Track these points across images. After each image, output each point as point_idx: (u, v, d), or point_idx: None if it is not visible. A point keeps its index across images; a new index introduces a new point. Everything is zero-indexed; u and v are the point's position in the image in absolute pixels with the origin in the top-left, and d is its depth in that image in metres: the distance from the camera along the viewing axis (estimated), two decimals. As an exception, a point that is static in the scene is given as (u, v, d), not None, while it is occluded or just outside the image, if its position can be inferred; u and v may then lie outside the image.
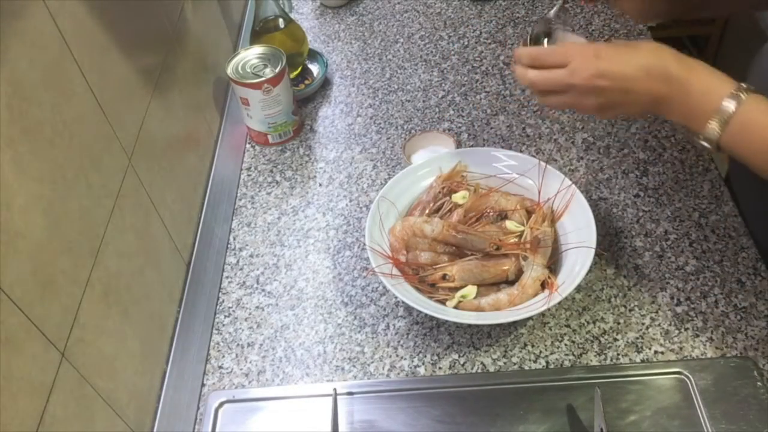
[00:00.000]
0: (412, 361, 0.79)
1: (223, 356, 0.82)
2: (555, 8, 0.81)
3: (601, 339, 0.78)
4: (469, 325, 0.81)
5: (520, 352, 0.78)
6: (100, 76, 0.67)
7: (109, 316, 0.64)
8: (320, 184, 1.02)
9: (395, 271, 0.81)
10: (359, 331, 0.83)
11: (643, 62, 0.64)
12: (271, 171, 1.05)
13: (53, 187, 0.56)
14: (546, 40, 0.80)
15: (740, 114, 0.60)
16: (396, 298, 0.84)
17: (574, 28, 1.18)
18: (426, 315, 0.80)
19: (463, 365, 0.78)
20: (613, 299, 0.82)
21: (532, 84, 0.70)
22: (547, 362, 0.77)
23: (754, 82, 0.61)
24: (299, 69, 1.17)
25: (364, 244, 0.83)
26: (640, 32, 1.19)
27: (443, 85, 1.15)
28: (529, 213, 0.86)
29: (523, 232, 0.83)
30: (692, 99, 0.63)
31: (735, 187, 0.93)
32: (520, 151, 0.97)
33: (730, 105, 0.60)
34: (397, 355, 0.80)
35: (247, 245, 0.95)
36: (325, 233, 0.95)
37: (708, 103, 0.62)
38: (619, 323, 0.79)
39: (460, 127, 1.07)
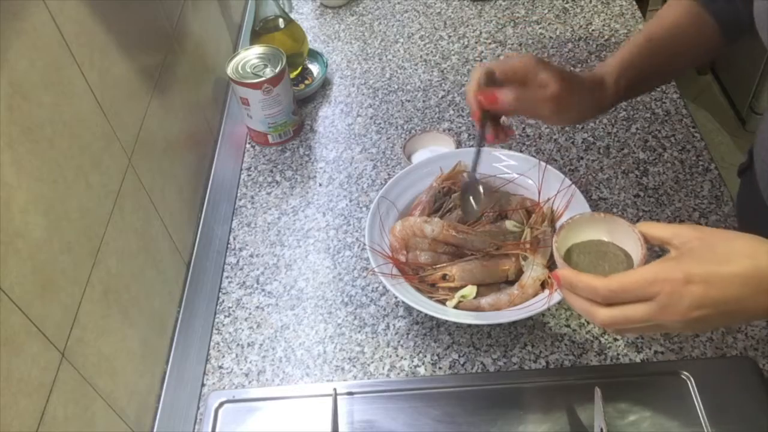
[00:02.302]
0: (412, 361, 0.79)
1: (223, 356, 0.82)
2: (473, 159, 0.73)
3: (601, 339, 0.78)
4: (469, 325, 0.81)
5: (520, 352, 0.78)
6: (100, 76, 0.67)
7: (109, 316, 0.64)
8: (320, 184, 1.02)
9: (395, 271, 0.81)
10: (359, 331, 0.83)
11: (745, 275, 0.51)
12: (271, 171, 1.05)
13: (53, 187, 0.56)
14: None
15: None
16: (396, 298, 0.84)
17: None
18: (426, 315, 0.80)
19: (463, 365, 0.78)
20: (613, 299, 0.82)
21: (604, 325, 0.55)
22: (547, 362, 0.77)
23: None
24: (299, 69, 1.17)
25: (364, 244, 0.83)
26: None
27: (443, 85, 1.15)
28: (529, 213, 0.86)
29: (523, 232, 0.83)
30: None
31: (742, 219, 0.89)
32: (520, 151, 0.97)
33: None
34: (397, 355, 0.80)
35: (247, 245, 0.95)
36: (325, 233, 0.95)
37: None
38: (619, 323, 0.79)
39: (460, 127, 1.07)
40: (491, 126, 0.73)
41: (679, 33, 0.76)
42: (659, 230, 0.56)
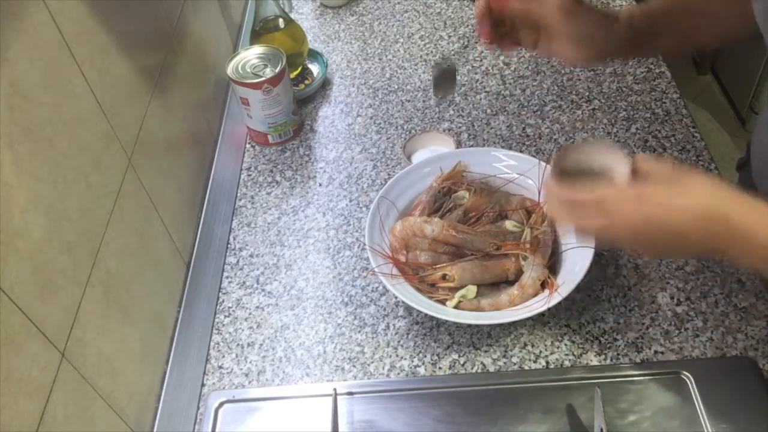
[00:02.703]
0: (412, 361, 0.79)
1: (223, 356, 0.82)
2: None
3: (601, 339, 0.78)
4: (469, 325, 0.81)
5: (520, 352, 0.78)
6: (100, 76, 0.67)
7: (109, 316, 0.64)
8: (320, 184, 1.02)
9: (395, 271, 0.81)
10: (359, 331, 0.83)
11: (698, 208, 0.55)
12: (271, 171, 1.05)
13: (53, 187, 0.56)
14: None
15: None
16: (396, 298, 0.84)
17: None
18: (426, 315, 0.80)
19: (463, 365, 0.78)
20: (613, 299, 0.82)
21: (556, 199, 0.64)
22: (547, 362, 0.77)
23: None
24: (299, 69, 1.17)
25: (364, 244, 0.83)
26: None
27: (443, 85, 1.15)
28: (529, 213, 0.86)
29: (523, 232, 0.83)
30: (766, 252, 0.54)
31: None
32: (520, 151, 0.97)
33: None
34: (397, 355, 0.80)
35: (247, 245, 0.95)
36: (325, 233, 0.95)
37: None
38: (619, 323, 0.79)
39: (460, 127, 1.07)
40: (494, 30, 0.74)
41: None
42: (645, 162, 0.61)
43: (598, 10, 0.74)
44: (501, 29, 0.75)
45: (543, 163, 0.87)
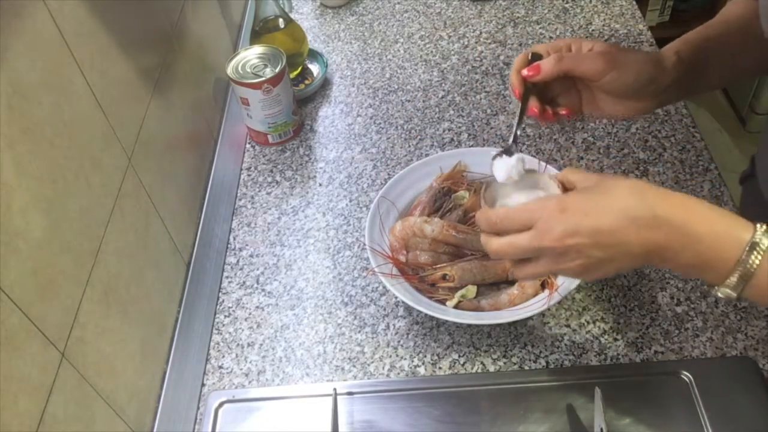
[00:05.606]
0: (412, 361, 0.79)
1: (223, 356, 0.82)
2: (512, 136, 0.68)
3: (601, 339, 0.78)
4: (469, 325, 0.81)
5: (520, 352, 0.78)
6: (100, 76, 0.67)
7: (109, 316, 0.64)
8: (320, 184, 1.02)
9: (395, 271, 0.81)
10: (359, 331, 0.83)
11: (622, 207, 0.53)
12: (271, 171, 1.05)
13: (53, 187, 0.56)
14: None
15: (766, 264, 0.50)
16: (396, 298, 0.84)
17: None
18: (426, 315, 0.80)
19: (463, 365, 0.78)
20: (613, 299, 0.82)
21: (497, 255, 0.59)
22: (547, 362, 0.77)
23: None
24: (299, 69, 1.17)
25: (364, 244, 0.83)
26: (640, 32, 1.19)
27: (443, 85, 1.15)
28: (529, 213, 0.86)
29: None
30: (703, 247, 0.51)
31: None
32: (521, 151, 0.97)
33: (755, 259, 0.50)
34: (397, 355, 0.80)
35: (247, 245, 0.95)
36: (325, 233, 0.95)
37: (724, 251, 0.51)
38: (619, 323, 0.79)
39: (460, 127, 1.07)
40: (537, 101, 0.67)
41: (732, 29, 0.69)
42: (573, 175, 0.59)
43: (641, 52, 0.67)
44: (546, 98, 0.69)
45: (543, 163, 0.87)
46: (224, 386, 0.79)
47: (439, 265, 0.81)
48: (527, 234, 0.56)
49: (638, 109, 0.67)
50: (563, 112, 0.70)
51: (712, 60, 0.69)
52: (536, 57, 0.66)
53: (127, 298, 0.68)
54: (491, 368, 0.77)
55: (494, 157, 0.66)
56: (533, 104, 0.67)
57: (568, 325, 0.80)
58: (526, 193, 0.64)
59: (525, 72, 0.65)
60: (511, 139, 0.68)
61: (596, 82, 0.65)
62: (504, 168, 0.65)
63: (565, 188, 0.60)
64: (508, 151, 0.66)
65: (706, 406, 0.70)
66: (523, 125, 0.68)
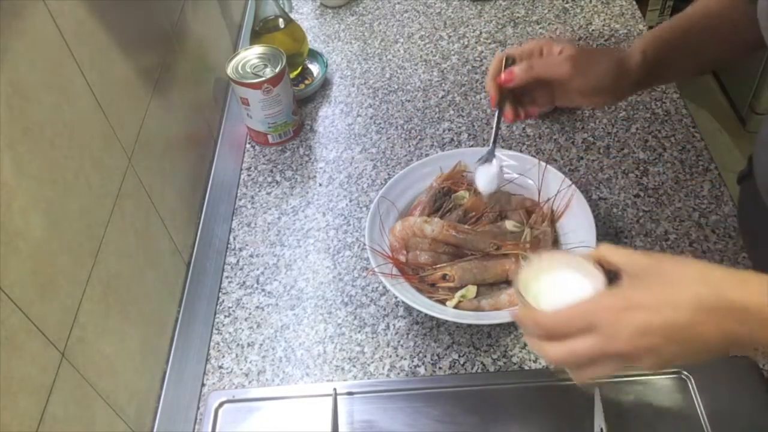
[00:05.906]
0: (412, 361, 0.79)
1: (223, 356, 0.82)
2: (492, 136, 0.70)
3: (601, 339, 0.78)
4: (469, 325, 0.81)
5: (520, 352, 0.78)
6: (100, 76, 0.67)
7: (109, 316, 0.64)
8: (320, 184, 1.02)
9: (395, 271, 0.81)
10: (359, 331, 0.83)
11: (694, 300, 0.48)
12: (271, 171, 1.05)
13: (53, 187, 0.56)
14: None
15: None
16: (396, 298, 0.84)
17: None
18: (426, 315, 0.80)
19: (463, 365, 0.78)
20: (613, 299, 0.81)
21: (558, 363, 0.53)
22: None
23: None
24: (299, 69, 1.17)
25: (364, 244, 0.83)
26: (640, 32, 1.19)
27: (443, 85, 1.15)
28: (529, 213, 0.86)
29: (523, 232, 0.83)
30: None
31: (743, 227, 0.88)
32: (520, 151, 0.97)
33: None
34: (397, 355, 0.80)
35: (247, 245, 0.95)
36: (325, 233, 0.95)
37: None
38: (619, 323, 0.79)
39: (460, 127, 1.07)
40: (510, 105, 0.72)
41: (711, 15, 0.72)
42: (615, 256, 0.54)
43: (607, 54, 0.72)
44: (520, 102, 0.74)
45: (543, 163, 0.87)
46: (224, 386, 0.79)
47: (439, 265, 0.81)
48: (591, 339, 0.50)
49: (605, 102, 0.74)
50: (533, 112, 0.75)
51: (677, 56, 0.73)
52: (510, 61, 0.71)
53: (127, 298, 0.68)
54: (491, 368, 0.77)
55: (475, 164, 0.68)
56: (507, 111, 0.72)
57: (568, 325, 0.80)
58: (563, 275, 0.58)
59: (501, 77, 0.70)
60: (491, 144, 0.71)
61: (565, 84, 0.70)
62: (485, 177, 0.66)
63: (604, 268, 0.55)
64: (488, 158, 0.68)
65: (706, 406, 0.70)
66: (501, 129, 0.73)
